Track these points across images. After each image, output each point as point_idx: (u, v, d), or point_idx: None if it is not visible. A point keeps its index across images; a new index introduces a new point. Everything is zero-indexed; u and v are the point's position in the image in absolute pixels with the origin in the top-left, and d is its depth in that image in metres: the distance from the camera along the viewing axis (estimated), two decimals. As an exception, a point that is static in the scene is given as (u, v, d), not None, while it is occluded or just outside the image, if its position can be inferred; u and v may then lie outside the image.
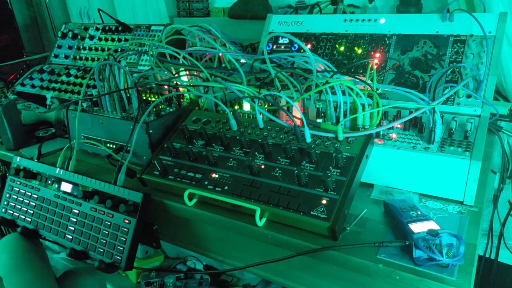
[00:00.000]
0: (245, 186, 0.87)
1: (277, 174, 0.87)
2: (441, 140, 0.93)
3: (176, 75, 1.24)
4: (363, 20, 1.23)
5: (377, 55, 1.17)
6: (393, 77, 1.13)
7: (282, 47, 1.34)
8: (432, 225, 0.75)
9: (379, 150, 0.93)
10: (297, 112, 1.00)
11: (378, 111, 0.92)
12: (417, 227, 0.74)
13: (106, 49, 1.75)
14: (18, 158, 1.17)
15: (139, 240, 0.94)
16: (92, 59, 1.78)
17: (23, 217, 1.10)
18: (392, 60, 1.14)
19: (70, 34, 1.87)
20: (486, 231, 1.50)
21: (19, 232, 1.07)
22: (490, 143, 1.15)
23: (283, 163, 0.89)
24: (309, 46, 1.28)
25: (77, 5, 2.21)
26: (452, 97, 1.04)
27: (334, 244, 0.78)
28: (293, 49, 1.32)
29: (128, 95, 1.16)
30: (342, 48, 1.23)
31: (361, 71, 1.18)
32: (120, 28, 1.76)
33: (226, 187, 0.89)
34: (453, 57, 1.08)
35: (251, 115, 1.06)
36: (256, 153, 0.93)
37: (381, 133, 0.96)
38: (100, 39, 1.80)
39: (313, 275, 0.87)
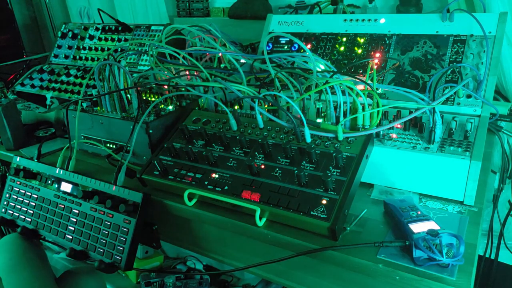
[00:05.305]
0: (245, 186, 0.87)
1: (277, 174, 0.87)
2: (441, 140, 0.93)
3: (176, 75, 1.24)
4: (363, 20, 1.23)
5: (377, 55, 1.17)
6: (393, 77, 1.13)
7: (282, 47, 1.34)
8: (432, 225, 0.75)
9: (379, 150, 0.93)
10: (297, 112, 0.99)
11: (378, 111, 0.92)
12: (417, 227, 0.74)
13: (106, 49, 1.75)
14: (18, 158, 1.17)
15: (139, 240, 0.94)
16: (92, 59, 1.77)
17: (23, 217, 1.10)
18: (392, 60, 1.14)
19: (70, 34, 1.87)
20: (486, 231, 1.50)
21: (18, 232, 1.07)
22: (490, 143, 1.15)
23: (283, 163, 0.89)
24: (309, 46, 1.28)
25: (77, 5, 2.21)
26: (452, 97, 1.04)
27: (334, 244, 0.78)
28: (293, 49, 1.32)
29: (128, 95, 1.16)
30: (342, 48, 1.23)
31: (361, 71, 1.18)
32: (120, 28, 1.76)
33: (226, 187, 0.89)
34: (453, 57, 1.08)
35: (251, 115, 1.06)
36: (256, 153, 0.93)
37: (381, 133, 0.96)
38: (100, 39, 1.80)
39: (313, 275, 0.87)
